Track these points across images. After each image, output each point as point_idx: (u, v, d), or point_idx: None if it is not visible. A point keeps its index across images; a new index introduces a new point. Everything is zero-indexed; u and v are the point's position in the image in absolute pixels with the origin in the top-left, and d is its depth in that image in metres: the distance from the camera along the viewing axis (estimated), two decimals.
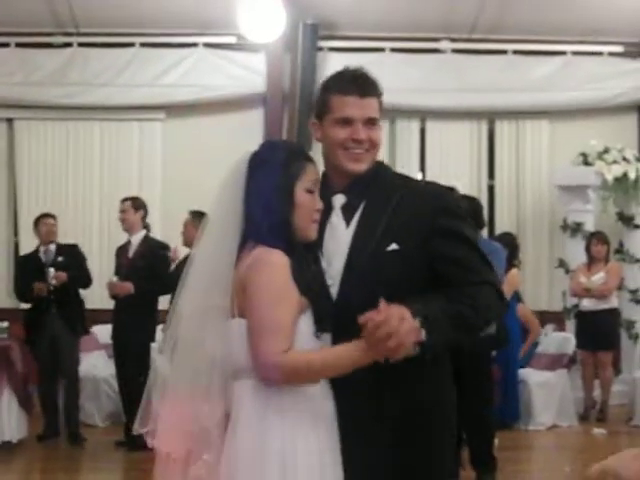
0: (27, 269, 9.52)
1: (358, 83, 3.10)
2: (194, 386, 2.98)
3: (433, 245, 3.03)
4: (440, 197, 3.14)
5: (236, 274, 2.94)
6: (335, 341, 2.95)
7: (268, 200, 2.96)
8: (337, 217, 3.14)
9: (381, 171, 3.20)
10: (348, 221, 3.14)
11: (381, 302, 2.72)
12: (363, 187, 3.13)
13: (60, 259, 9.40)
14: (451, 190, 10.12)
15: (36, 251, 9.60)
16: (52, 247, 9.51)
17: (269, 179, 2.98)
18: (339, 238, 3.12)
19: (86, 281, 9.51)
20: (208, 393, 2.95)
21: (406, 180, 3.23)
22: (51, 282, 9.12)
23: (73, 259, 9.46)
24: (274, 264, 2.89)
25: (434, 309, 2.90)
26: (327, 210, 3.10)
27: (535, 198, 12.40)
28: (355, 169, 3.11)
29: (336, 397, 2.99)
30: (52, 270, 9.19)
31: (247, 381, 2.94)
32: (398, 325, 2.70)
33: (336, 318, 2.98)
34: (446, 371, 3.31)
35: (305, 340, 2.91)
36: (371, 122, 3.10)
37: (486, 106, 12.19)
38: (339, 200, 3.15)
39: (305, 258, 2.97)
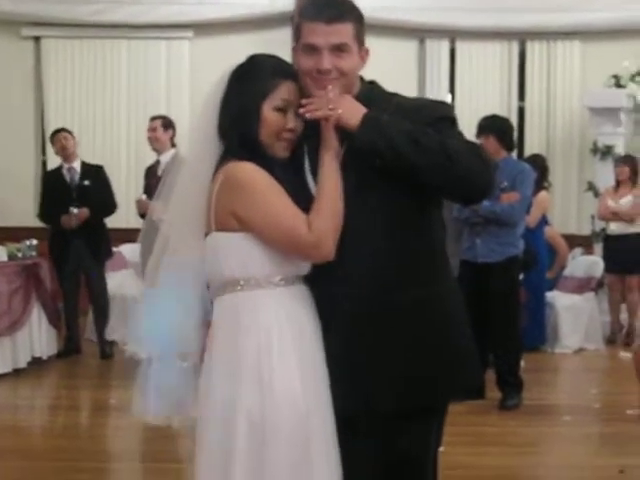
0: (50, 187, 9.58)
1: (325, 8, 2.94)
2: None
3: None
4: (436, 108, 3.04)
5: (211, 188, 2.94)
6: None
7: (236, 115, 2.95)
8: None
9: (375, 91, 3.09)
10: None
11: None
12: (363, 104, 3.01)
13: (86, 182, 9.42)
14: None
15: (60, 168, 9.60)
16: (76, 166, 9.51)
17: (240, 94, 2.97)
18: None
19: (111, 209, 9.54)
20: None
21: (398, 97, 3.07)
22: (73, 223, 9.19)
23: (98, 183, 9.47)
24: (246, 168, 2.88)
25: (386, 117, 2.87)
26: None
27: (565, 120, 12.28)
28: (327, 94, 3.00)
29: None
30: (75, 210, 9.21)
31: (224, 296, 2.97)
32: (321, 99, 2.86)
33: None
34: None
35: (279, 262, 2.91)
36: (339, 49, 2.93)
37: (517, 26, 12.03)
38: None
39: (285, 169, 2.94)
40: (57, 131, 9.69)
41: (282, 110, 2.94)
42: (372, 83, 3.11)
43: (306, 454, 2.85)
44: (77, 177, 9.48)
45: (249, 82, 2.97)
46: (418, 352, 2.93)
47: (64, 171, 9.52)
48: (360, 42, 2.99)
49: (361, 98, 2.98)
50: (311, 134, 2.95)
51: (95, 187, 9.39)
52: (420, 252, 2.97)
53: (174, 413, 3.26)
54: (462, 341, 3.06)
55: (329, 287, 2.92)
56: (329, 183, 2.88)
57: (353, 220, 2.87)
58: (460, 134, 2.96)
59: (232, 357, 2.92)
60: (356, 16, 3.00)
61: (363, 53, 3.01)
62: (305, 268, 2.95)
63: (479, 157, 2.86)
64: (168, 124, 9.09)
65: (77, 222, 9.20)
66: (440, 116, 2.95)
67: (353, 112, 2.85)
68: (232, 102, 2.97)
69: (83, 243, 9.25)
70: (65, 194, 9.34)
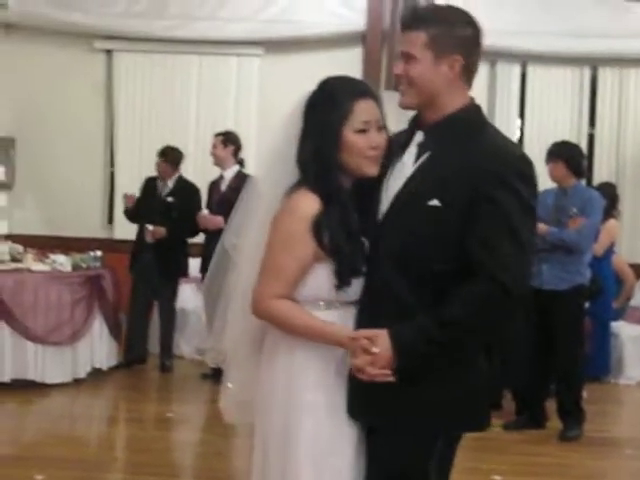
0: (144, 194, 9.73)
1: (404, 16, 3.07)
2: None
3: (471, 212, 2.84)
4: (498, 161, 2.88)
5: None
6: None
7: (315, 143, 2.95)
8: (409, 155, 3.03)
9: (471, 116, 3.02)
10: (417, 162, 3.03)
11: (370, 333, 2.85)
12: (445, 130, 2.99)
13: (170, 199, 9.50)
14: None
15: (156, 178, 9.75)
16: (169, 182, 9.65)
17: (316, 121, 2.98)
18: (402, 177, 3.02)
19: (189, 234, 9.55)
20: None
21: (483, 133, 2.99)
22: (148, 240, 9.27)
23: (186, 202, 9.50)
24: (295, 211, 2.92)
25: (408, 336, 2.86)
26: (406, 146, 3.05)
27: (636, 148, 12.11)
28: (400, 103, 3.04)
29: None
30: (150, 227, 9.29)
31: None
32: (373, 359, 2.82)
33: (367, 262, 3.00)
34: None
35: (325, 289, 2.96)
36: (406, 57, 2.98)
37: (589, 52, 11.89)
38: (418, 137, 3.03)
39: (347, 207, 2.95)
40: (159, 153, 9.75)
41: (363, 131, 2.94)
42: (474, 107, 3.06)
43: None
44: (166, 191, 9.59)
45: (325, 109, 2.97)
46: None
47: (158, 183, 9.69)
48: (439, 50, 2.94)
49: (449, 121, 2.98)
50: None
51: (181, 206, 9.45)
52: None
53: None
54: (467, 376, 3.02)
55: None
56: (320, 337, 2.94)
57: None
58: (507, 224, 2.86)
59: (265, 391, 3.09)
60: (428, 24, 2.96)
61: (447, 62, 2.96)
62: (352, 295, 2.99)
63: (502, 289, 2.81)
64: (229, 140, 9.14)
65: (151, 239, 9.27)
66: (496, 173, 2.85)
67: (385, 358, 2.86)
68: (310, 132, 2.98)
69: (155, 257, 9.32)
70: (152, 205, 9.52)
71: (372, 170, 2.97)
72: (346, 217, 2.94)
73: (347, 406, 2.99)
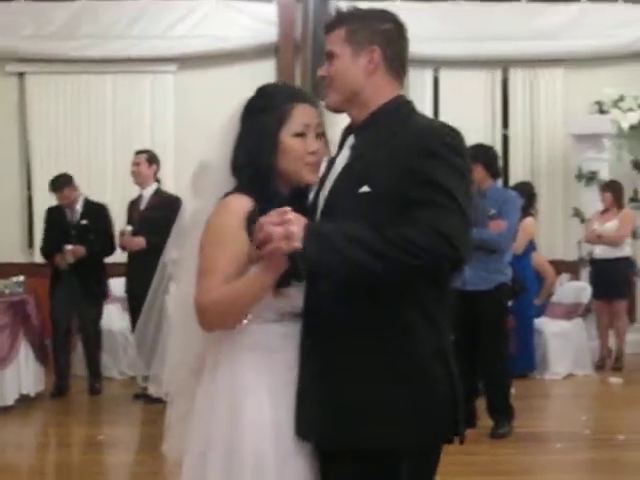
0: (52, 225, 9.54)
1: (327, 19, 3.02)
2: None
3: (403, 189, 2.72)
4: (424, 135, 2.81)
5: None
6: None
7: (251, 148, 2.91)
8: (342, 158, 2.96)
9: (397, 109, 2.95)
10: None
11: (283, 209, 2.68)
12: (372, 125, 2.93)
13: (84, 222, 9.38)
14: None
15: (61, 205, 9.55)
16: (78, 206, 9.49)
17: (253, 125, 2.93)
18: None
19: (108, 251, 9.45)
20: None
21: (411, 118, 2.92)
22: (68, 260, 9.14)
23: (98, 223, 9.42)
24: (227, 209, 2.86)
25: (330, 227, 2.71)
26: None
27: (550, 147, 12.32)
28: (325, 105, 2.98)
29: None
30: (69, 247, 9.16)
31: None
32: (274, 229, 2.65)
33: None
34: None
35: (270, 298, 2.85)
36: (328, 56, 2.96)
37: (500, 54, 12.08)
38: (350, 140, 2.97)
39: (287, 205, 2.82)
40: (56, 185, 9.47)
41: (302, 134, 2.91)
42: (399, 101, 2.98)
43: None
44: (78, 215, 9.45)
45: (262, 113, 2.93)
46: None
47: (66, 210, 9.49)
48: (356, 43, 2.91)
49: (373, 117, 2.92)
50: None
51: (95, 226, 9.36)
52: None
53: None
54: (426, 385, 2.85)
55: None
56: (248, 285, 2.79)
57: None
58: (447, 167, 2.74)
59: (210, 389, 2.95)
60: (344, 22, 2.96)
61: (365, 55, 2.92)
62: (297, 307, 2.91)
63: (444, 239, 2.64)
64: (152, 159, 9.12)
65: (72, 259, 9.14)
66: (423, 146, 2.76)
67: (285, 240, 2.67)
68: (246, 137, 2.94)
69: (78, 280, 9.21)
70: (64, 232, 9.33)
71: (312, 177, 2.93)
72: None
73: (295, 426, 2.86)
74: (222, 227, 2.85)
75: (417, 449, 2.83)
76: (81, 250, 9.17)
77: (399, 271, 2.68)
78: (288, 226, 2.65)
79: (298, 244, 2.65)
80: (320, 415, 2.81)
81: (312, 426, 2.84)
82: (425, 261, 2.64)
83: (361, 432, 2.77)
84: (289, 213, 2.67)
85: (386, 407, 2.77)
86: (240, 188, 2.91)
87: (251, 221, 2.79)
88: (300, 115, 2.91)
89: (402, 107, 2.96)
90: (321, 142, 2.94)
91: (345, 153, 2.96)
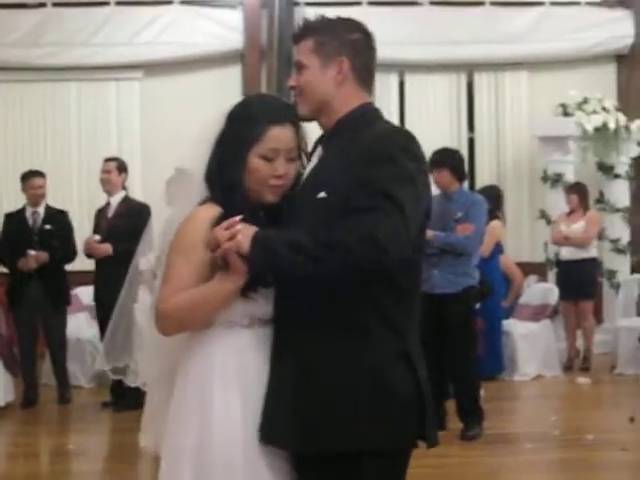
0: (12, 230, 9.37)
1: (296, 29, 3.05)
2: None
3: (352, 194, 2.74)
4: (377, 140, 2.83)
5: None
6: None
7: (222, 159, 2.94)
8: (310, 165, 3.00)
9: (362, 115, 2.97)
10: None
11: (233, 219, 2.76)
12: (336, 132, 2.97)
13: (47, 227, 9.29)
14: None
15: (23, 210, 9.44)
16: (40, 210, 9.40)
17: (227, 137, 2.96)
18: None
19: (71, 257, 9.37)
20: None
21: (374, 125, 2.93)
22: (31, 265, 9.06)
23: (61, 228, 9.34)
24: (195, 217, 2.89)
25: (274, 234, 2.76)
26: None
27: (515, 149, 12.40)
28: (299, 112, 3.00)
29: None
30: (32, 252, 9.07)
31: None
32: (222, 232, 2.74)
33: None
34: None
35: (236, 306, 2.87)
36: (297, 66, 2.99)
37: (465, 58, 12.15)
38: (319, 150, 3.01)
39: (256, 218, 2.87)
40: (30, 174, 9.48)
41: (268, 159, 2.91)
42: (366, 108, 3.00)
43: None
44: (40, 221, 9.38)
45: (238, 125, 2.94)
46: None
47: (27, 214, 9.38)
48: (324, 54, 2.95)
49: (339, 124, 2.95)
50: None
51: (57, 232, 9.30)
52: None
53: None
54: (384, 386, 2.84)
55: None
56: (208, 291, 2.83)
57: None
58: (393, 171, 2.75)
59: (180, 386, 2.97)
60: (311, 32, 2.99)
61: (334, 66, 2.95)
62: (266, 309, 2.93)
63: (375, 242, 2.64)
64: (122, 167, 9.08)
65: (35, 264, 9.06)
66: (369, 153, 2.78)
67: (245, 238, 2.75)
68: (220, 147, 2.96)
69: (41, 288, 9.13)
70: (26, 238, 9.21)
71: (272, 198, 2.93)
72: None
73: (261, 428, 2.86)
74: (186, 236, 2.88)
75: (378, 451, 2.82)
76: (44, 256, 9.07)
77: (336, 273, 2.70)
78: (235, 233, 2.73)
79: (245, 249, 2.71)
80: (284, 418, 2.83)
81: (276, 429, 2.85)
82: (352, 262, 2.67)
83: (322, 434, 2.80)
84: (237, 223, 2.74)
85: (346, 409, 2.78)
86: (211, 198, 2.94)
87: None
88: (271, 140, 2.91)
89: (367, 114, 2.99)
90: (291, 165, 2.94)
91: (313, 161, 3.00)
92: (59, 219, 9.44)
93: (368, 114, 3.00)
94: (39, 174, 9.50)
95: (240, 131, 2.93)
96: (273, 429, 2.85)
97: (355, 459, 2.80)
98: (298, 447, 2.84)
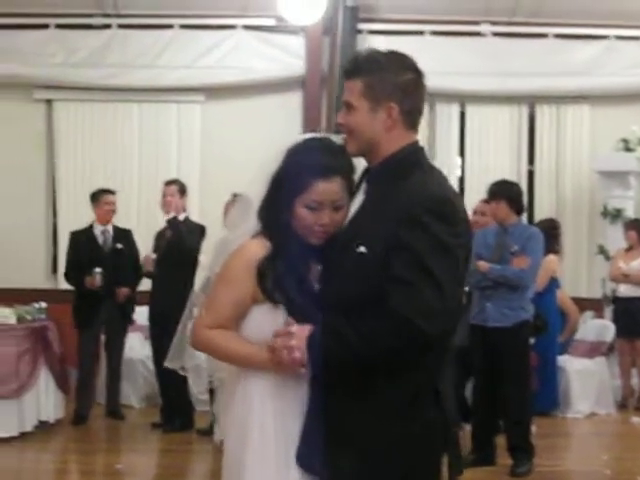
0: (80, 248, 9.47)
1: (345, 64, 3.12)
2: None
3: (387, 257, 2.80)
4: (414, 202, 2.83)
5: None
6: None
7: (273, 201, 3.01)
8: (357, 202, 3.02)
9: (406, 157, 2.98)
10: None
11: (288, 321, 2.86)
12: (380, 173, 3.00)
13: (119, 246, 9.41)
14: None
15: (91, 228, 9.55)
16: (110, 228, 9.51)
17: (279, 183, 3.01)
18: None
19: (139, 280, 9.52)
20: None
21: (413, 174, 2.93)
22: (97, 283, 9.12)
23: (129, 247, 9.50)
24: (242, 252, 3.00)
25: (322, 336, 2.81)
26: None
27: (575, 184, 12.29)
28: (347, 149, 3.03)
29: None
30: (98, 270, 9.16)
31: None
32: (282, 342, 2.82)
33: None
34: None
35: (266, 331, 2.92)
36: (346, 105, 3.00)
37: (526, 90, 12.09)
38: (364, 186, 3.04)
39: (296, 257, 2.96)
40: (103, 192, 9.63)
41: (312, 209, 2.96)
42: (413, 148, 3.02)
43: None
44: (110, 239, 9.48)
45: (289, 174, 2.99)
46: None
47: (96, 232, 9.49)
48: (374, 98, 2.94)
49: (384, 165, 2.98)
50: None
51: (126, 250, 9.42)
52: None
53: None
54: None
55: None
56: (242, 358, 2.98)
57: None
58: (426, 239, 2.78)
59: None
60: (363, 72, 2.98)
61: (383, 111, 2.95)
62: None
63: (406, 326, 2.72)
64: (183, 190, 9.08)
65: (100, 282, 9.12)
66: (410, 215, 2.79)
67: (290, 353, 2.83)
68: (273, 187, 3.02)
69: (110, 302, 9.23)
70: (98, 256, 9.33)
71: (315, 242, 2.99)
72: (294, 266, 2.96)
73: (297, 453, 2.91)
74: (231, 269, 3.02)
75: None
76: (126, 291, 9.29)
77: (383, 361, 2.79)
78: (288, 339, 2.82)
79: (298, 355, 2.80)
80: (317, 449, 2.87)
81: (311, 459, 2.89)
82: (396, 347, 2.76)
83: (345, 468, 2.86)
84: (293, 326, 2.85)
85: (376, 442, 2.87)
86: (263, 232, 3.02)
87: (261, 269, 2.94)
88: (316, 193, 2.95)
89: (411, 155, 3.00)
90: (338, 213, 2.98)
91: (360, 198, 3.03)
92: (126, 238, 9.55)
93: (413, 154, 3.01)
94: (111, 192, 9.62)
95: (289, 179, 2.98)
96: (311, 459, 2.89)
97: None
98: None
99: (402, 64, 3.01)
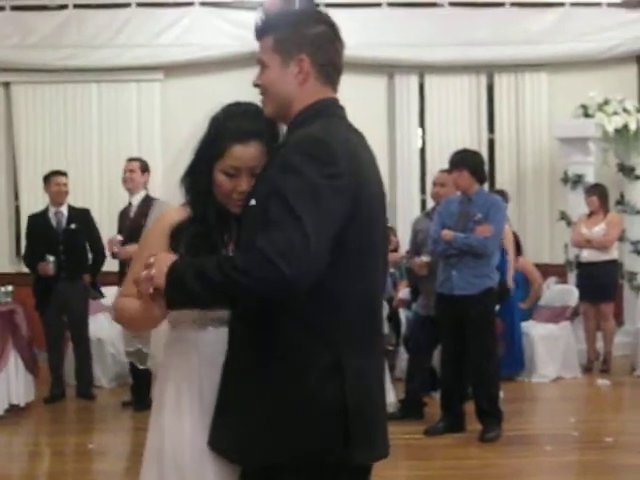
0: (36, 232, 9.48)
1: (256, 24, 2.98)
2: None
3: (263, 205, 2.68)
4: (291, 148, 2.71)
5: None
6: None
7: (194, 169, 3.03)
8: None
9: (310, 112, 2.83)
10: None
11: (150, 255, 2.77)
12: (289, 129, 2.90)
13: (73, 226, 9.39)
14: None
15: (46, 211, 9.54)
16: (63, 210, 9.48)
17: (199, 150, 3.03)
18: None
19: (103, 262, 9.51)
20: None
21: (308, 126, 2.78)
22: (49, 272, 9.14)
23: (85, 227, 9.46)
24: (160, 217, 3.05)
25: (184, 266, 2.69)
26: None
27: (535, 151, 12.38)
28: (264, 111, 2.95)
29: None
30: (51, 258, 9.16)
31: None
32: (145, 274, 2.73)
33: None
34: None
35: None
36: (260, 65, 2.91)
37: (485, 59, 12.15)
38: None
39: (217, 225, 2.95)
40: (53, 173, 9.61)
41: (229, 175, 2.94)
42: (319, 106, 2.87)
43: None
44: (64, 221, 9.44)
45: (207, 140, 3.00)
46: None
47: (50, 215, 9.47)
48: (284, 51, 2.84)
49: (291, 123, 2.87)
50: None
51: (82, 230, 9.39)
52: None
53: None
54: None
55: None
56: (137, 313, 2.86)
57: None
58: (295, 180, 2.63)
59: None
60: (268, 31, 2.92)
61: (294, 64, 2.83)
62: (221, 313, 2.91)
63: (267, 260, 2.54)
64: (145, 167, 9.09)
65: (52, 271, 9.13)
66: (286, 163, 2.65)
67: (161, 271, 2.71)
68: (194, 155, 3.03)
69: (68, 280, 9.25)
70: (51, 238, 9.32)
71: (235, 210, 2.96)
72: (209, 232, 2.95)
73: (209, 437, 2.86)
74: (148, 235, 3.07)
75: (297, 464, 2.73)
76: (88, 278, 9.41)
77: (242, 300, 2.66)
78: (149, 270, 2.71)
79: (160, 282, 2.68)
80: (223, 430, 2.82)
81: (218, 440, 2.84)
82: (253, 286, 2.58)
83: (252, 449, 2.76)
84: (152, 257, 2.73)
85: (265, 423, 2.73)
86: (185, 202, 3.05)
87: (175, 233, 2.93)
88: (234, 158, 2.93)
89: (321, 110, 2.86)
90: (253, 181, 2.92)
91: None
92: (82, 217, 9.52)
93: (322, 110, 2.86)
94: (62, 173, 9.61)
95: (207, 145, 2.99)
96: (216, 440, 2.84)
97: (279, 473, 2.74)
98: (233, 460, 2.83)
99: (314, 17, 2.92)
